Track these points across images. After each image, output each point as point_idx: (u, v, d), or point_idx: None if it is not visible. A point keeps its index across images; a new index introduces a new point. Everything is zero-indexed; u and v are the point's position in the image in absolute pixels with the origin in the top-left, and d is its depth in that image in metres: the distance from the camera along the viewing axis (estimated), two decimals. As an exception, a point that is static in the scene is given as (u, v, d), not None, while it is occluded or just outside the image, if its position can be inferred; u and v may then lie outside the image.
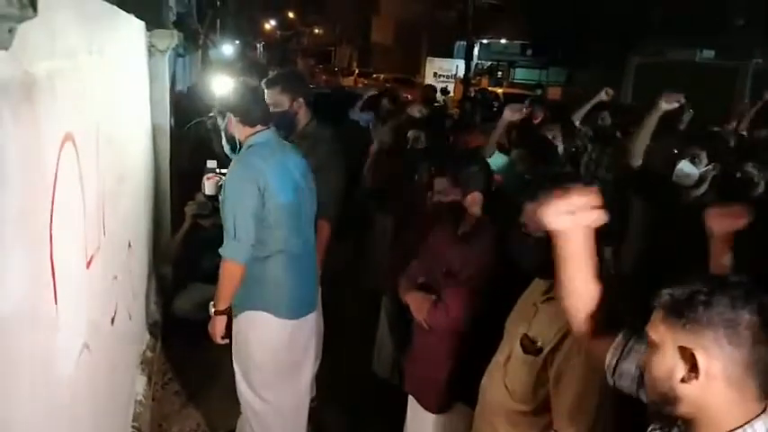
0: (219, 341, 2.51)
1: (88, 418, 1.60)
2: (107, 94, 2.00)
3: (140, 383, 2.68)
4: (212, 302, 2.49)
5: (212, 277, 3.57)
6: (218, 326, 2.46)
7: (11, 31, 0.81)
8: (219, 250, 2.39)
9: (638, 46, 15.47)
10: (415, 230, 2.92)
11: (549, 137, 3.82)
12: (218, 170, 3.85)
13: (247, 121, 2.47)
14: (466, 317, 2.12)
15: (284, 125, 3.30)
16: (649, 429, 1.22)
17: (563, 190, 1.37)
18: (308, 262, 2.62)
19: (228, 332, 2.57)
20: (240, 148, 2.53)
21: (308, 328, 2.65)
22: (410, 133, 3.74)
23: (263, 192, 2.34)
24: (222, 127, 2.61)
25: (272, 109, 3.19)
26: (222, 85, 5.41)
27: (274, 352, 2.54)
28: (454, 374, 2.11)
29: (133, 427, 2.39)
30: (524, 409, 1.75)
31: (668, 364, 1.08)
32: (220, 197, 2.55)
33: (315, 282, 2.68)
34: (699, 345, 1.04)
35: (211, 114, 4.99)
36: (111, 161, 2.02)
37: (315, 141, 3.18)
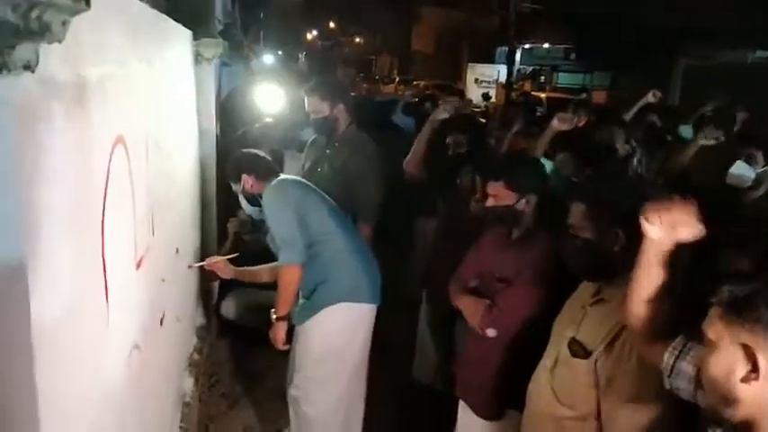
0: (281, 347, 2.62)
1: (138, 416, 1.63)
2: (156, 101, 2.05)
3: (188, 385, 2.73)
4: (273, 309, 2.58)
5: (256, 283, 3.61)
6: (279, 332, 2.58)
7: (64, 23, 0.83)
8: (276, 263, 2.54)
9: (685, 48, 15.06)
10: (458, 235, 2.89)
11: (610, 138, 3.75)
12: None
13: (262, 176, 2.67)
14: (520, 322, 2.09)
15: (325, 131, 3.35)
16: None
17: (668, 201, 1.34)
18: (363, 251, 2.70)
19: (288, 339, 2.66)
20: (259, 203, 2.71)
21: (373, 318, 2.72)
22: (450, 138, 3.70)
23: (296, 199, 2.54)
24: (239, 191, 2.79)
25: (312, 116, 3.25)
26: (266, 95, 5.51)
27: (354, 338, 2.63)
28: (507, 381, 2.07)
29: (180, 427, 2.42)
30: (572, 415, 1.71)
31: (726, 363, 1.04)
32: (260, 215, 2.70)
33: (376, 270, 2.72)
34: (759, 344, 0.99)
35: (257, 125, 5.09)
36: (159, 167, 2.07)
37: (354, 146, 3.20)
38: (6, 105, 0.80)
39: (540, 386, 1.81)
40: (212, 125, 3.98)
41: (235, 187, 2.81)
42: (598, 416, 1.65)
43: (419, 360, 3.74)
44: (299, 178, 2.85)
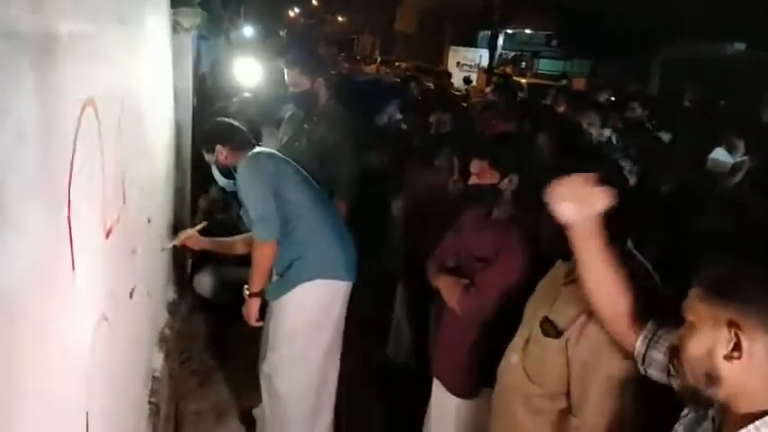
0: (254, 323, 2.59)
1: (105, 388, 1.58)
2: (131, 67, 1.98)
3: (158, 360, 2.68)
4: (246, 285, 2.55)
5: (226, 260, 3.57)
6: (252, 307, 2.55)
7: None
8: (250, 234, 2.49)
9: (665, 38, 15.17)
10: (434, 215, 2.88)
11: (585, 123, 3.75)
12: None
13: (237, 146, 2.62)
14: (498, 302, 2.09)
15: (303, 105, 3.30)
16: (683, 413, 1.18)
17: (565, 179, 1.35)
18: (339, 227, 2.66)
19: (261, 316, 2.64)
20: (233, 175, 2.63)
21: (347, 296, 2.69)
22: (433, 117, 3.68)
23: (271, 173, 2.49)
24: (212, 161, 2.73)
25: (292, 89, 3.21)
26: (245, 68, 5.40)
27: (329, 315, 2.59)
28: (482, 360, 2.07)
29: (150, 402, 2.38)
30: (542, 393, 1.72)
31: (708, 343, 1.04)
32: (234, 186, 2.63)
33: (352, 247, 2.68)
34: (743, 323, 1.00)
35: (235, 99, 5.00)
36: (133, 135, 2.00)
37: (333, 121, 3.17)
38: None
39: (511, 364, 1.81)
40: (189, 97, 3.89)
41: (208, 157, 2.74)
42: (568, 395, 1.66)
43: (394, 339, 3.75)
44: (274, 151, 2.79)
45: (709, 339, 1.03)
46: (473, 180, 2.23)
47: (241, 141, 2.63)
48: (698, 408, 1.15)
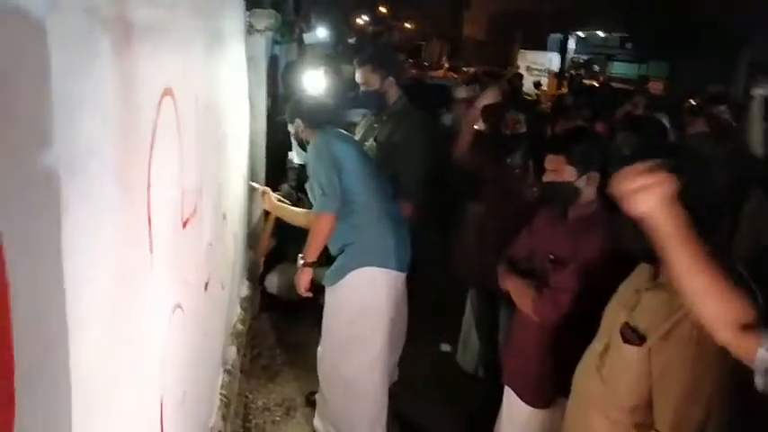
0: (303, 292, 2.70)
1: (177, 376, 1.60)
2: (206, 62, 2.01)
3: (231, 354, 2.72)
4: (301, 255, 2.66)
5: (296, 260, 3.61)
6: (305, 277, 2.66)
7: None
8: (311, 210, 2.62)
9: (751, 39, 14.35)
10: (509, 218, 2.79)
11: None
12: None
13: (314, 124, 2.75)
14: (572, 306, 1.99)
15: (375, 103, 3.30)
16: None
17: (625, 170, 1.27)
18: (396, 219, 2.71)
19: (314, 295, 2.76)
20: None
21: (402, 287, 2.75)
22: (508, 116, 3.58)
23: (339, 156, 2.59)
24: (293, 132, 2.90)
25: (362, 88, 3.22)
26: (316, 72, 5.47)
27: (379, 303, 2.64)
28: (557, 366, 1.98)
29: (221, 394, 2.41)
30: (620, 404, 1.61)
31: None
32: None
33: (407, 242, 2.72)
34: None
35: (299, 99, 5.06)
36: (207, 128, 2.03)
37: (401, 120, 3.15)
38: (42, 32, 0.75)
39: (588, 372, 1.71)
40: (262, 98, 3.96)
41: (289, 127, 2.93)
42: (648, 407, 1.55)
43: (463, 348, 3.67)
44: (348, 135, 2.89)
45: None
46: (548, 177, 2.13)
47: (318, 119, 2.76)
48: None
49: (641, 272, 1.70)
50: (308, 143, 2.76)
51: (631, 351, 1.56)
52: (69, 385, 0.83)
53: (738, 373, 1.41)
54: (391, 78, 3.16)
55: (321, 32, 7.05)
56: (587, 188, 2.08)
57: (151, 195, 1.23)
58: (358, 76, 3.24)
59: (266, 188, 3.22)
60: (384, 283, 2.63)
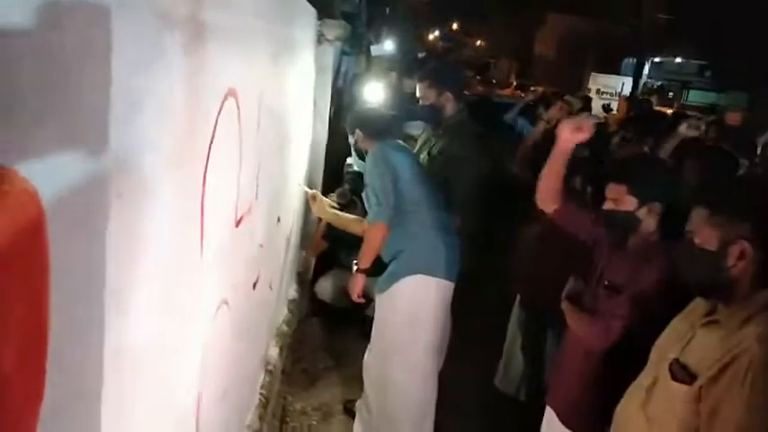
0: (356, 298, 2.75)
1: (219, 370, 1.63)
2: (272, 65, 2.06)
3: (273, 353, 2.76)
4: (355, 261, 2.72)
5: (350, 267, 3.65)
6: (358, 282, 2.71)
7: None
8: (366, 219, 2.69)
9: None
10: (559, 240, 2.73)
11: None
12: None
13: (372, 135, 2.83)
14: (624, 335, 1.92)
15: (432, 117, 3.31)
16: None
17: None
18: (447, 229, 2.74)
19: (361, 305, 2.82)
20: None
21: (450, 296, 2.77)
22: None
23: (394, 164, 2.66)
24: (352, 142, 2.99)
25: (420, 102, 3.26)
26: (377, 84, 5.55)
27: (428, 311, 2.67)
28: (604, 396, 1.91)
29: (260, 393, 2.45)
30: None
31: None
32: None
33: (457, 252, 2.75)
34: None
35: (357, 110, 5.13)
36: (270, 131, 2.08)
37: (454, 133, 3.13)
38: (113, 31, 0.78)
39: (633, 407, 1.64)
40: (326, 106, 4.03)
41: (350, 138, 3.02)
42: None
43: (504, 369, 3.59)
44: (405, 146, 2.94)
45: None
46: (608, 205, 2.07)
47: (377, 130, 2.85)
48: None
49: (697, 307, 1.62)
50: (366, 153, 2.83)
51: (680, 389, 1.48)
52: (101, 371, 0.85)
53: None
54: (448, 94, 3.17)
55: (388, 46, 7.12)
56: (648, 218, 2.00)
57: (206, 192, 1.26)
58: (418, 90, 3.28)
59: (316, 191, 3.26)
60: (433, 290, 2.68)
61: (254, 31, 1.71)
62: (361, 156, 2.94)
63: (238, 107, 1.50)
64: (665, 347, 1.62)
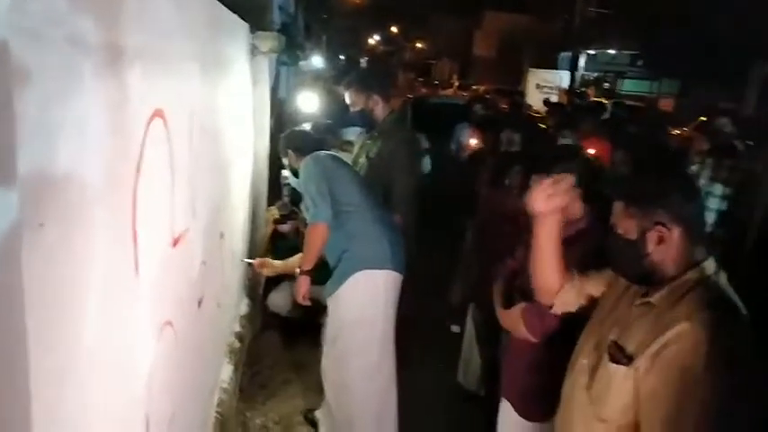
0: (302, 301, 2.79)
1: (168, 393, 1.62)
2: (204, 83, 2.06)
3: (227, 372, 2.74)
4: (298, 266, 2.78)
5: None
6: (303, 285, 2.76)
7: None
8: (306, 220, 2.77)
9: (762, 55, 14.33)
10: (505, 235, 2.80)
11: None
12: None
13: (304, 153, 2.92)
14: (563, 322, 1.99)
15: (365, 122, 3.39)
16: None
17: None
18: (387, 223, 2.83)
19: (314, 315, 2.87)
20: None
21: (399, 287, 2.82)
22: (503, 134, 3.62)
23: (327, 168, 2.78)
24: (286, 163, 3.11)
25: (351, 108, 3.34)
26: (310, 97, 5.59)
27: (380, 305, 2.72)
28: (552, 381, 1.98)
29: (217, 412, 2.42)
30: (607, 423, 1.59)
31: None
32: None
33: (402, 244, 2.82)
34: None
35: (304, 125, 5.17)
36: (206, 149, 2.08)
37: (389, 136, 3.21)
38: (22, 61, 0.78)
39: (576, 388, 1.70)
40: (266, 119, 4.02)
41: (284, 160, 3.15)
42: (634, 428, 1.53)
43: (465, 367, 3.66)
44: (334, 154, 3.06)
45: None
46: None
47: (308, 148, 2.95)
48: None
49: (632, 289, 1.69)
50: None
51: (617, 370, 1.54)
52: (29, 405, 0.84)
53: (725, 399, 1.40)
54: (376, 97, 3.25)
55: (316, 61, 7.20)
56: (572, 206, 2.08)
57: (137, 214, 1.26)
58: (347, 97, 3.37)
59: (259, 260, 3.35)
60: (381, 282, 2.73)
61: (180, 50, 1.71)
62: (297, 174, 3.01)
63: (167, 127, 1.49)
64: (599, 329, 1.69)
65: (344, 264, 2.70)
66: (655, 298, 1.55)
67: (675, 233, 1.51)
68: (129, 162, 1.23)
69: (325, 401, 2.95)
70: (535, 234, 1.84)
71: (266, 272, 3.30)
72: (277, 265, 3.20)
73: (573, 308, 1.87)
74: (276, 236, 3.96)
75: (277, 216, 3.92)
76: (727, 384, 1.39)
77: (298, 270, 2.78)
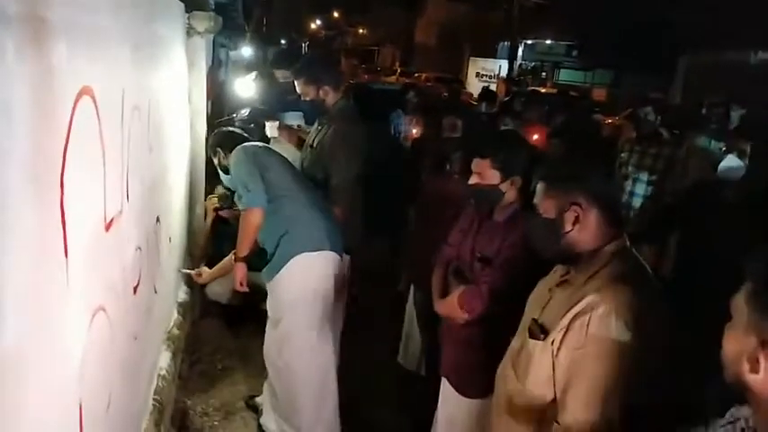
0: (240, 288, 2.81)
1: (102, 379, 1.58)
2: (136, 61, 1.99)
3: (165, 359, 2.68)
4: (233, 251, 2.78)
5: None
6: (240, 271, 2.78)
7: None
8: (239, 206, 2.74)
9: (688, 47, 15.01)
10: (445, 219, 2.85)
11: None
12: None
13: (231, 149, 2.90)
14: (499, 303, 2.05)
15: (314, 112, 3.36)
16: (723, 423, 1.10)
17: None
18: (321, 206, 2.85)
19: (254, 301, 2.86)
20: None
21: (341, 270, 2.88)
22: (445, 120, 3.67)
23: (256, 155, 2.78)
24: (216, 162, 3.09)
25: (303, 98, 3.31)
26: (248, 81, 5.48)
27: (319, 286, 2.74)
28: (489, 359, 2.04)
29: (155, 399, 2.38)
30: (530, 397, 1.65)
31: (739, 346, 0.98)
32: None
33: (337, 227, 2.86)
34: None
35: (242, 111, 5.07)
36: (138, 129, 2.01)
37: (334, 127, 3.19)
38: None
39: (505, 367, 1.77)
40: (202, 101, 3.92)
41: (214, 159, 3.10)
42: (555, 400, 1.60)
43: (405, 347, 3.71)
44: (261, 144, 3.07)
45: (740, 343, 0.97)
46: (474, 179, 2.19)
47: (235, 144, 2.92)
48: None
49: (556, 270, 1.76)
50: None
51: (535, 346, 1.61)
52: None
53: (634, 366, 1.48)
54: (327, 87, 3.24)
55: (245, 51, 7.06)
56: (510, 191, 2.14)
57: (65, 197, 1.22)
58: (297, 87, 3.34)
59: (197, 270, 3.31)
60: (321, 265, 2.75)
61: (109, 27, 1.65)
62: (226, 171, 3.01)
63: (96, 106, 1.44)
64: (530, 309, 1.76)
65: (282, 248, 2.70)
66: (571, 275, 1.63)
67: (591, 213, 1.59)
68: (57, 141, 1.19)
69: (266, 384, 2.95)
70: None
71: (202, 280, 3.28)
72: (213, 271, 3.17)
73: None
74: (217, 222, 3.89)
75: (217, 204, 3.85)
76: (636, 352, 1.46)
77: (233, 256, 2.76)
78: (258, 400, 3.09)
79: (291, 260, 2.68)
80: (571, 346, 1.52)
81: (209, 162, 4.04)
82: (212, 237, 3.86)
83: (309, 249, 2.70)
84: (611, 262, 1.56)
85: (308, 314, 2.73)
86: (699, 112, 5.67)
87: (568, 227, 1.60)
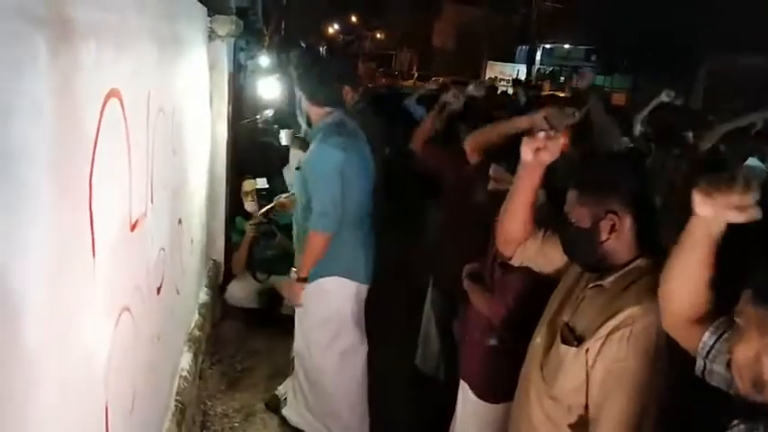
0: (297, 305, 2.78)
1: (125, 379, 1.59)
2: (162, 64, 2.01)
3: (186, 359, 2.69)
4: (294, 269, 2.72)
5: (263, 268, 3.62)
6: (298, 291, 2.71)
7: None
8: (307, 224, 2.63)
9: (709, 51, 14.85)
10: (465, 223, 2.83)
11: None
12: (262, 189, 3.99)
13: (314, 101, 2.69)
14: (519, 307, 2.03)
15: None
16: (733, 424, 1.08)
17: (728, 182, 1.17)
18: (367, 232, 2.82)
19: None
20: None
21: (363, 298, 2.87)
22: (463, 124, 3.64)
23: (343, 177, 2.58)
24: (297, 105, 2.83)
25: None
26: (271, 84, 5.50)
27: (345, 311, 2.77)
28: (509, 363, 2.01)
29: (177, 400, 2.39)
30: (558, 403, 1.63)
31: (754, 349, 0.96)
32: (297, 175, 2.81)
33: (373, 253, 2.86)
34: None
35: (257, 117, 5.07)
36: (162, 131, 2.02)
37: (358, 120, 3.19)
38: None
39: (532, 367, 1.74)
40: (224, 104, 3.95)
41: (297, 101, 2.87)
42: (584, 408, 1.58)
43: (423, 350, 3.69)
44: (354, 130, 2.84)
45: (755, 346, 0.95)
46: (492, 185, 2.18)
47: (319, 100, 2.70)
48: (750, 418, 1.05)
49: (571, 273, 1.74)
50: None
51: (568, 351, 1.57)
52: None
53: (673, 383, 1.45)
54: (347, 88, 3.26)
55: (263, 61, 7.08)
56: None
57: (93, 198, 1.22)
58: None
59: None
60: (351, 293, 2.76)
61: (136, 28, 1.66)
62: (309, 122, 2.79)
63: (123, 108, 1.45)
64: (558, 310, 1.72)
65: (322, 264, 2.67)
66: (607, 282, 1.59)
67: (627, 221, 1.55)
68: (86, 142, 1.19)
69: (290, 380, 3.00)
70: (517, 179, 1.75)
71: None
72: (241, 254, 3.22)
73: (531, 263, 1.86)
74: (255, 240, 3.88)
75: (253, 225, 3.84)
76: (676, 368, 1.43)
77: (293, 275, 2.72)
78: (281, 389, 3.13)
79: (323, 279, 2.69)
80: (609, 358, 1.48)
81: (230, 162, 4.06)
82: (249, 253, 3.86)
83: (343, 275, 2.71)
84: (650, 272, 1.51)
85: (332, 335, 2.77)
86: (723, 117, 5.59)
87: (605, 236, 1.56)
